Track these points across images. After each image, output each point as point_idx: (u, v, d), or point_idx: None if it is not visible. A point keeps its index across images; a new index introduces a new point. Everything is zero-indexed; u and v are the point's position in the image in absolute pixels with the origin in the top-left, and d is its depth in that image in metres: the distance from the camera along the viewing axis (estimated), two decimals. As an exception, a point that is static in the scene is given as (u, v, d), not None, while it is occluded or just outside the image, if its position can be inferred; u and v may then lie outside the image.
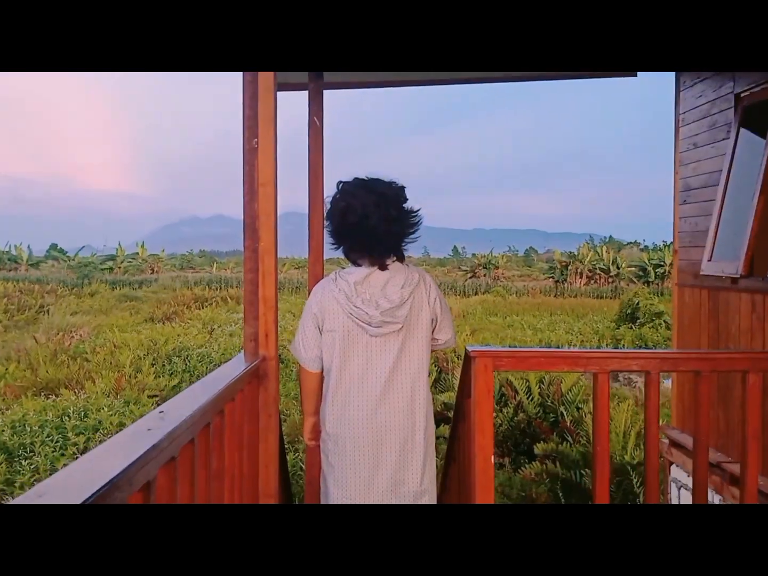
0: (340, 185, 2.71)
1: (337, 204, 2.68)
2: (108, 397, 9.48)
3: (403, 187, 2.72)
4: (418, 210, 2.72)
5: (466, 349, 2.96)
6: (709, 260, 4.13)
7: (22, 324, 22.02)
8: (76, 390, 10.30)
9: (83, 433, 7.30)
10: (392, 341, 2.71)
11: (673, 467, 3.68)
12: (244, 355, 2.77)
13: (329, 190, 2.73)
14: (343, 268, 2.85)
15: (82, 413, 8.14)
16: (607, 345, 19.82)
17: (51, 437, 7.13)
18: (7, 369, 12.82)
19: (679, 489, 3.51)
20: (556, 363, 2.90)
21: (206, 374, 11.63)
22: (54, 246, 64.11)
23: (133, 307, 27.34)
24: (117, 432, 5.98)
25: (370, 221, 2.61)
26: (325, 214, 2.75)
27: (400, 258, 2.79)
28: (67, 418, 7.76)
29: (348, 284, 2.70)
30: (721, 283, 4.01)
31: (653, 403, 2.78)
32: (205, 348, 14.41)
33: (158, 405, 8.35)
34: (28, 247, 53.99)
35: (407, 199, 2.72)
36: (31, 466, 6.35)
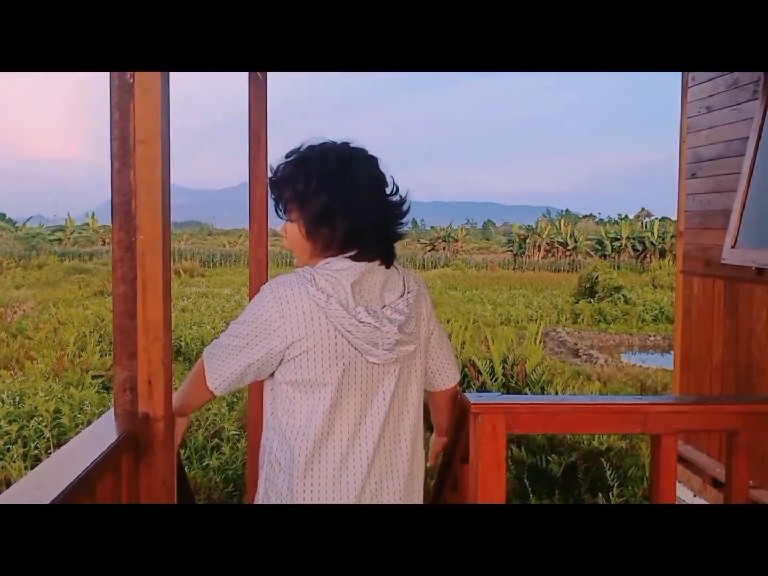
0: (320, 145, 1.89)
1: (327, 159, 1.85)
2: (48, 379, 8.91)
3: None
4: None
5: (463, 397, 2.16)
6: (733, 246, 3.54)
7: (-38, 297, 21.03)
8: (15, 371, 9.69)
9: (16, 421, 6.76)
10: (390, 373, 1.89)
11: (677, 485, 3.31)
12: (114, 416, 1.81)
13: (275, 156, 1.92)
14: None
15: (18, 398, 7.59)
16: (566, 319, 19.76)
17: (-20, 425, 6.58)
18: (-60, 347, 12.11)
19: (681, 509, 3.17)
20: (600, 421, 2.08)
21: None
22: (1, 216, 62.03)
23: (83, 279, 26.42)
24: (52, 420, 5.45)
25: (381, 187, 1.90)
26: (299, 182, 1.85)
27: (394, 255, 2.01)
28: (0, 403, 7.20)
29: (339, 285, 1.78)
30: (743, 274, 3.42)
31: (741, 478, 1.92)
32: (156, 324, 13.82)
33: (102, 387, 7.79)
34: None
35: None
36: (-45, 459, 5.81)
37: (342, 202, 1.79)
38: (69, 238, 48.81)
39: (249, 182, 2.40)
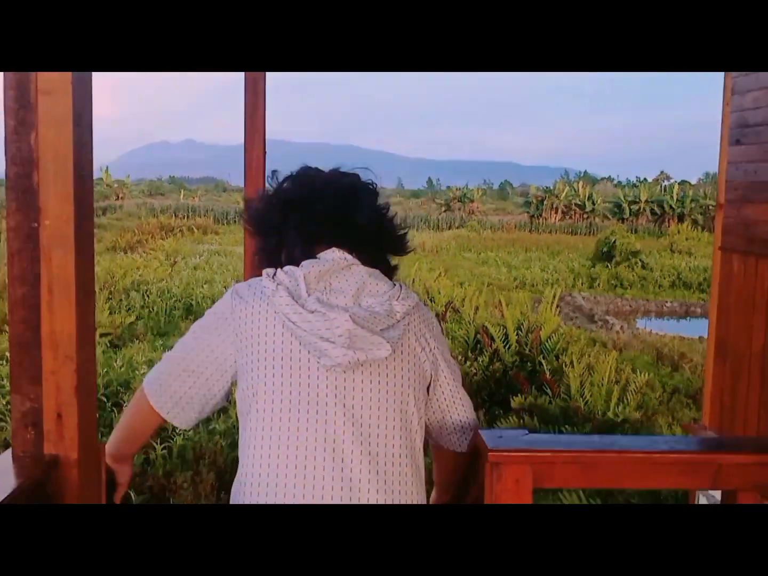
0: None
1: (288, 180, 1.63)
2: (54, 336, 8.80)
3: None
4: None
5: (477, 437, 1.64)
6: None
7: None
8: (22, 327, 9.59)
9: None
10: (357, 387, 1.47)
11: None
12: (11, 458, 1.40)
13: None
14: None
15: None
16: (582, 284, 19.50)
17: (-15, 384, 6.48)
18: (-48, 301, 12.04)
19: (712, 506, 2.96)
20: (658, 473, 1.58)
21: (166, 311, 10.96)
22: (16, 169, 61.90)
23: (96, 234, 26.26)
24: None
25: (348, 180, 1.62)
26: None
27: (388, 265, 1.67)
28: (5, 362, 7.10)
29: (292, 278, 1.48)
30: (795, 253, 3.11)
31: None
32: (166, 282, 13.70)
33: (110, 345, 7.65)
34: (-13, 169, 51.81)
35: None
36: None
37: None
38: (83, 193, 48.56)
39: (245, 143, 2.13)
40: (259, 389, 1.47)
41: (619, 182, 72.10)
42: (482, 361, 7.87)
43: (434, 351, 1.61)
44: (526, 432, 1.58)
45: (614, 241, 21.58)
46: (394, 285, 1.56)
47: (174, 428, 6.28)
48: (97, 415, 5.51)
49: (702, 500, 3.10)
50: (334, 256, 1.51)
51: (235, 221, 39.46)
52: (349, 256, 1.52)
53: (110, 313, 11.08)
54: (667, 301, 18.12)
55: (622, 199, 47.20)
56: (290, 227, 1.54)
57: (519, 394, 7.18)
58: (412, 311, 1.55)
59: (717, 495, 2.70)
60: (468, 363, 7.86)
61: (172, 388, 1.54)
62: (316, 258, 1.51)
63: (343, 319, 1.40)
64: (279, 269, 1.50)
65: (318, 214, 1.53)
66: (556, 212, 47.49)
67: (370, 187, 1.63)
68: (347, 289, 1.48)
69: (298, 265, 1.50)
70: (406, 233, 1.74)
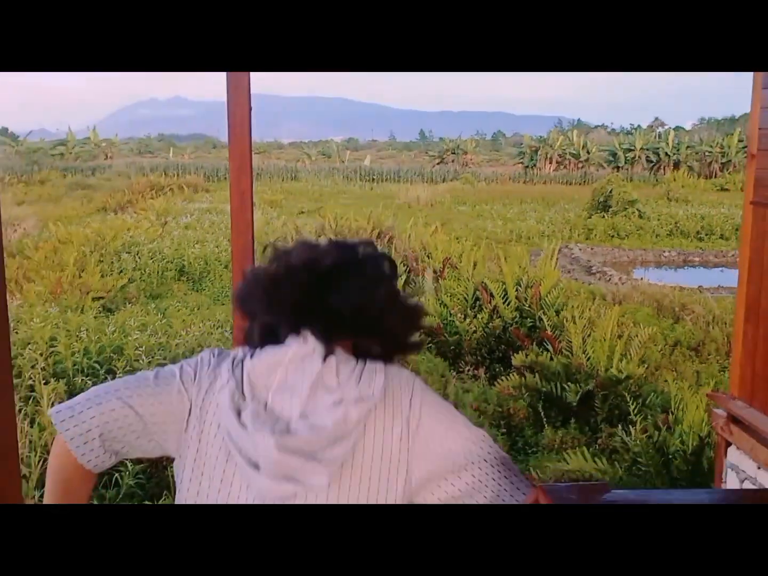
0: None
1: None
2: (45, 302, 8.63)
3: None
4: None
5: None
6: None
7: (-37, 215, 20.67)
8: (12, 294, 9.42)
9: (11, 348, 6.50)
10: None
11: (732, 450, 2.94)
12: None
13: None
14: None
15: (13, 324, 7.32)
16: (578, 235, 19.34)
17: (-27, 354, 6.33)
18: (-61, 268, 11.84)
19: (742, 482, 2.81)
20: None
21: (158, 273, 10.79)
22: (4, 130, 60.96)
23: (86, 195, 25.96)
24: (48, 348, 5.17)
25: (338, 254, 1.34)
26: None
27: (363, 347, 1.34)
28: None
29: (245, 371, 1.29)
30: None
31: None
32: (157, 243, 13.48)
33: (103, 309, 7.50)
34: (-28, 131, 51.02)
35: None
36: (-56, 393, 5.57)
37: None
38: (71, 153, 47.96)
39: (227, 96, 1.90)
40: (189, 494, 1.30)
41: (613, 130, 71.49)
42: (482, 318, 7.74)
43: (430, 450, 1.30)
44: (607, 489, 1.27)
45: (610, 191, 21.35)
46: (359, 373, 1.28)
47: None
48: (90, 384, 5.30)
49: (730, 476, 2.97)
50: (294, 342, 1.27)
51: (225, 178, 39.02)
52: (311, 342, 1.26)
53: (102, 276, 10.89)
54: (665, 251, 17.98)
55: (617, 147, 46.79)
56: (259, 310, 1.34)
57: (520, 351, 7.07)
58: (376, 408, 1.28)
59: (748, 469, 2.58)
60: (467, 320, 7.74)
61: (92, 424, 1.30)
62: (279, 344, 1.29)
63: (270, 445, 1.19)
64: (249, 353, 1.31)
65: (285, 298, 1.29)
66: (551, 162, 47.08)
67: (372, 263, 1.34)
68: (301, 385, 1.24)
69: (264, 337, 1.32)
70: (413, 325, 1.39)
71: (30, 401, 5.51)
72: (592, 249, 17.72)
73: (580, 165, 46.60)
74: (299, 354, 1.26)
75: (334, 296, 1.26)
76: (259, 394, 1.26)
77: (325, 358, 1.26)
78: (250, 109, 1.87)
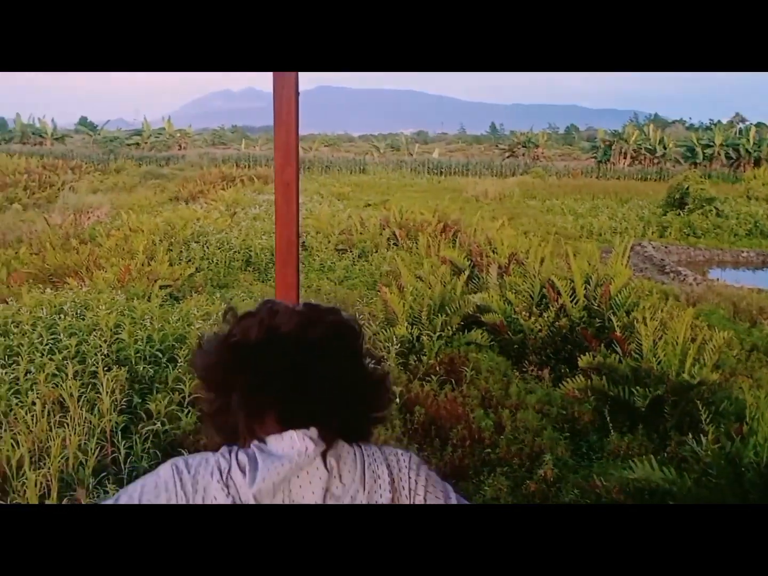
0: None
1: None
2: (113, 290, 8.79)
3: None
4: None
5: None
6: None
7: (42, 202, 21.40)
8: (82, 280, 9.64)
9: (76, 334, 6.62)
10: None
11: None
12: None
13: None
14: None
15: (80, 310, 7.46)
16: (652, 233, 18.72)
17: (41, 339, 6.46)
18: (16, 253, 12.23)
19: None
20: None
21: (225, 262, 10.88)
22: (84, 120, 63.00)
23: (159, 185, 26.56)
24: (112, 335, 5.21)
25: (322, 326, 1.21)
26: None
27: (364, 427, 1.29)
28: (62, 315, 7.08)
29: (248, 495, 1.14)
30: None
31: None
32: (225, 233, 13.63)
33: (169, 297, 7.56)
34: (52, 120, 52.77)
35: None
36: (11, 376, 5.69)
37: None
38: (146, 143, 49.20)
39: (274, 85, 1.79)
40: None
41: (692, 125, 69.07)
42: (547, 317, 7.50)
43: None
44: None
45: (687, 188, 20.57)
46: (361, 468, 1.20)
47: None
48: (152, 372, 5.36)
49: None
50: (293, 449, 1.14)
51: (295, 170, 39.31)
52: (310, 445, 1.14)
53: (170, 265, 11.05)
54: (743, 251, 17.23)
55: (695, 142, 45.20)
56: (236, 388, 1.17)
57: (587, 353, 6.81)
58: (382, 498, 1.21)
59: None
60: (532, 319, 7.51)
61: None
62: (264, 444, 1.16)
63: None
64: (235, 459, 1.15)
65: (270, 376, 1.14)
66: (625, 157, 45.83)
67: (351, 334, 1.23)
68: (309, 498, 1.15)
69: (241, 439, 1.18)
70: (379, 388, 1.28)
71: (91, 388, 5.58)
72: (666, 247, 17.11)
73: (655, 160, 45.22)
74: (300, 464, 1.14)
75: (326, 375, 1.15)
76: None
77: (325, 460, 1.17)
78: (297, 93, 1.76)
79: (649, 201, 23.91)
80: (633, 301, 7.77)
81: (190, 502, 1.14)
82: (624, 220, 19.96)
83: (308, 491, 1.14)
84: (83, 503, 4.11)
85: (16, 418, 4.96)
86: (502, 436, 5.72)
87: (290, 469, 1.13)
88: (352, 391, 1.19)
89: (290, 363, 1.14)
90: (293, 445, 1.14)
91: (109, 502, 1.19)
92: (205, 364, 1.21)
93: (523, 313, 7.65)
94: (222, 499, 1.13)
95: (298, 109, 1.77)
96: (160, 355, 6.53)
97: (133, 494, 1.18)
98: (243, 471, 1.13)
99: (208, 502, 1.13)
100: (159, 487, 1.16)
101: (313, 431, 1.15)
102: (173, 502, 1.14)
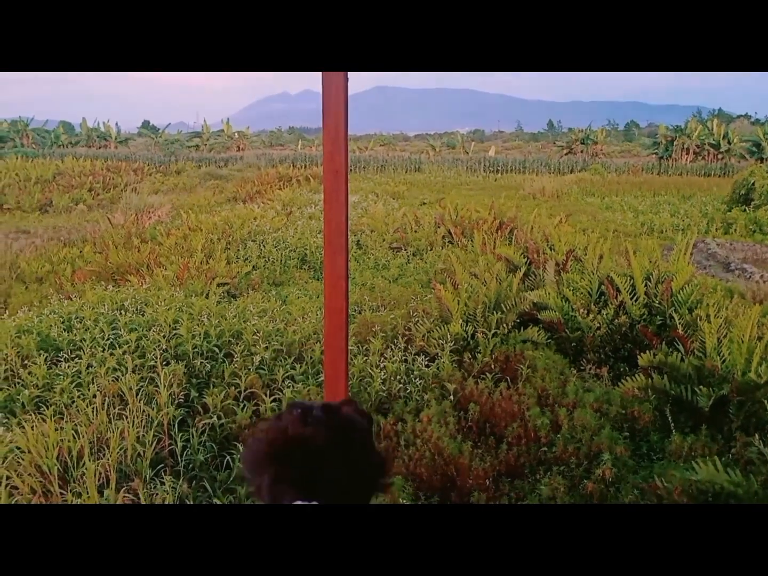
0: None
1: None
2: (172, 287, 8.95)
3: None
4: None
5: None
6: None
7: (106, 203, 21.99)
8: (143, 277, 9.84)
9: (136, 330, 6.75)
10: None
11: None
12: None
13: None
14: None
15: (140, 306, 7.62)
16: (716, 230, 18.16)
17: (103, 334, 6.62)
18: (81, 251, 12.58)
19: None
20: None
21: (281, 261, 10.99)
22: (146, 123, 64.58)
23: (217, 185, 27.00)
24: (171, 330, 5.31)
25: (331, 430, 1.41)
26: None
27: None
28: (123, 311, 7.24)
29: None
30: None
31: None
32: (281, 232, 13.76)
33: (227, 294, 7.66)
34: (116, 123, 54.25)
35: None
36: (73, 369, 5.83)
37: None
38: (205, 144, 50.09)
39: (323, 80, 1.75)
40: None
41: (758, 120, 66.88)
42: (606, 315, 7.33)
43: None
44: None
45: (753, 183, 19.91)
46: None
47: (283, 380, 6.20)
48: (208, 367, 5.41)
49: None
50: None
51: (351, 170, 39.52)
52: None
53: (228, 263, 11.22)
54: (813, 248, 16.57)
55: (761, 137, 43.69)
56: (267, 475, 1.36)
57: (647, 351, 6.63)
58: None
59: None
60: (590, 316, 7.35)
61: None
62: None
63: None
64: None
65: (288, 473, 1.34)
66: (688, 153, 44.65)
67: (356, 432, 1.42)
68: None
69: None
70: (380, 472, 1.44)
71: (149, 381, 5.68)
72: (731, 244, 16.57)
73: (719, 156, 43.93)
74: None
75: (337, 468, 1.34)
76: None
77: None
78: (347, 87, 1.74)
79: (712, 197, 23.25)
80: (696, 299, 7.54)
81: None
82: (686, 216, 19.44)
83: None
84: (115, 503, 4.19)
85: (77, 410, 5.08)
86: (558, 435, 5.61)
87: None
88: (358, 476, 1.37)
89: (307, 462, 1.33)
90: None
91: None
92: (248, 455, 1.42)
93: (581, 310, 7.50)
94: None
95: (347, 97, 1.75)
96: (217, 351, 6.62)
97: None
98: None
99: None
100: None
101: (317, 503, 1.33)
102: None
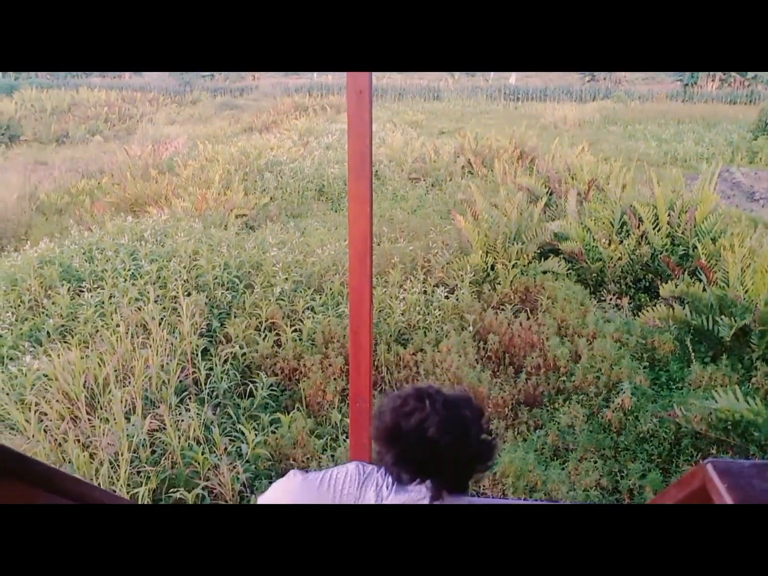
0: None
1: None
2: (191, 218, 8.94)
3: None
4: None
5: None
6: None
7: (122, 134, 21.83)
8: (162, 208, 9.84)
9: (157, 261, 6.78)
10: None
11: None
12: None
13: None
14: None
15: (160, 237, 7.63)
16: (741, 159, 17.77)
17: (124, 265, 6.65)
18: (99, 183, 12.56)
19: None
20: None
21: (299, 192, 10.91)
22: (159, 52, 63.42)
23: (233, 115, 26.63)
24: (191, 261, 5.33)
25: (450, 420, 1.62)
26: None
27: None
28: (143, 242, 7.26)
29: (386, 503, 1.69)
30: None
31: None
32: (299, 162, 13.63)
33: (245, 226, 7.66)
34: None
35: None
36: (96, 300, 5.89)
37: None
38: (220, 74, 49.23)
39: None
40: None
41: (789, 43, 64.68)
42: (628, 245, 7.26)
43: None
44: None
45: (781, 110, 19.36)
46: None
47: (303, 310, 6.23)
48: (229, 298, 5.44)
49: None
50: (415, 491, 1.63)
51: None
52: (425, 492, 1.62)
53: (245, 194, 11.16)
54: (841, 177, 16.19)
55: (792, 62, 42.32)
56: (390, 455, 1.60)
57: (669, 281, 6.59)
58: None
59: None
60: (612, 246, 7.28)
61: None
62: (404, 489, 1.65)
63: None
64: (383, 479, 1.68)
65: (407, 456, 1.59)
66: (713, 80, 43.39)
67: (470, 420, 1.62)
68: None
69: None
70: (489, 458, 1.66)
71: (171, 312, 5.73)
72: (756, 174, 16.23)
73: (746, 83, 42.65)
74: (415, 500, 1.64)
75: (449, 457, 1.56)
76: None
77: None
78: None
79: (738, 125, 22.65)
80: (719, 229, 7.43)
81: (356, 498, 1.68)
82: (711, 145, 18.99)
83: None
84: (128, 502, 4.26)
85: (101, 339, 5.15)
86: (578, 365, 5.63)
87: (407, 499, 1.64)
88: (466, 461, 1.60)
89: (424, 450, 1.55)
90: (418, 489, 1.62)
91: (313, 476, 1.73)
92: (387, 436, 1.62)
93: (603, 240, 7.42)
94: (371, 499, 1.68)
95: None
96: (237, 282, 6.64)
97: (332, 476, 1.73)
98: (388, 488, 1.67)
99: (364, 500, 1.68)
100: (347, 475, 1.71)
101: (429, 483, 1.60)
102: (350, 490, 1.69)
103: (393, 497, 1.65)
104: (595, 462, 4.61)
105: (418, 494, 1.62)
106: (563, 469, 4.58)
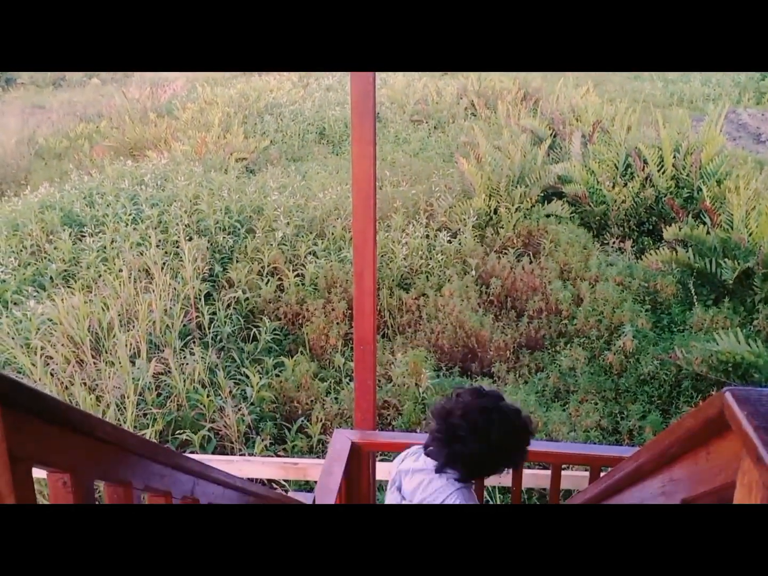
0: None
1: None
2: (190, 162, 8.86)
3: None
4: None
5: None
6: None
7: (119, 77, 21.45)
8: (161, 152, 9.74)
9: (158, 205, 6.75)
10: None
11: None
12: None
13: None
14: None
15: (160, 181, 7.58)
16: (748, 99, 17.48)
17: (125, 209, 6.62)
18: (97, 127, 12.41)
19: None
20: None
21: (299, 135, 10.76)
22: (154, -9, 62.08)
23: (232, 57, 26.16)
24: (192, 205, 5.30)
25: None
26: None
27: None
28: (144, 186, 7.21)
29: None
30: None
31: None
32: (298, 105, 13.43)
33: (245, 170, 7.57)
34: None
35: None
36: (98, 245, 5.87)
37: None
38: (219, 14, 48.29)
39: None
40: None
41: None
42: (632, 187, 7.19)
43: None
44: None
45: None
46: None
47: (305, 255, 6.22)
48: (231, 242, 5.42)
49: None
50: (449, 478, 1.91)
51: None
52: (455, 477, 1.89)
53: (245, 138, 11.02)
54: None
55: (804, -2, 41.35)
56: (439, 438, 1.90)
57: (672, 224, 6.55)
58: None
59: None
60: (616, 189, 7.22)
61: None
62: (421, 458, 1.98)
63: None
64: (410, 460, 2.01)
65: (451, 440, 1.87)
66: (723, 17, 42.52)
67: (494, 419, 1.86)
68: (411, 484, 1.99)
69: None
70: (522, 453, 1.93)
71: (174, 256, 5.72)
72: (763, 115, 15.98)
73: (757, 20, 41.81)
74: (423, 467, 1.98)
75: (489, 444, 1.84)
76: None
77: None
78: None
79: (747, 65, 22.23)
80: (725, 171, 7.35)
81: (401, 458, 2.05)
82: (718, 85, 18.66)
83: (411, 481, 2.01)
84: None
85: (104, 284, 5.16)
86: (580, 308, 5.64)
87: (415, 466, 1.99)
88: (500, 456, 1.88)
89: (468, 433, 1.83)
90: (431, 462, 1.92)
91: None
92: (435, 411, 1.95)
93: (607, 183, 7.36)
94: (399, 459, 2.05)
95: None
96: (239, 226, 6.62)
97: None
98: (411, 455, 2.03)
99: (399, 459, 2.06)
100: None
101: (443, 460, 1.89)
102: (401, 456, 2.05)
103: (407, 462, 1.99)
104: (596, 404, 4.67)
105: (425, 465, 1.91)
106: (564, 410, 4.64)
